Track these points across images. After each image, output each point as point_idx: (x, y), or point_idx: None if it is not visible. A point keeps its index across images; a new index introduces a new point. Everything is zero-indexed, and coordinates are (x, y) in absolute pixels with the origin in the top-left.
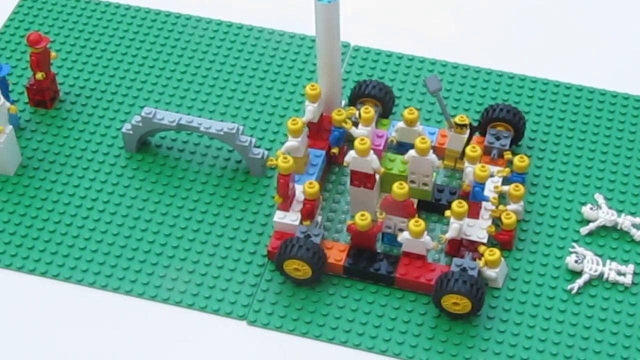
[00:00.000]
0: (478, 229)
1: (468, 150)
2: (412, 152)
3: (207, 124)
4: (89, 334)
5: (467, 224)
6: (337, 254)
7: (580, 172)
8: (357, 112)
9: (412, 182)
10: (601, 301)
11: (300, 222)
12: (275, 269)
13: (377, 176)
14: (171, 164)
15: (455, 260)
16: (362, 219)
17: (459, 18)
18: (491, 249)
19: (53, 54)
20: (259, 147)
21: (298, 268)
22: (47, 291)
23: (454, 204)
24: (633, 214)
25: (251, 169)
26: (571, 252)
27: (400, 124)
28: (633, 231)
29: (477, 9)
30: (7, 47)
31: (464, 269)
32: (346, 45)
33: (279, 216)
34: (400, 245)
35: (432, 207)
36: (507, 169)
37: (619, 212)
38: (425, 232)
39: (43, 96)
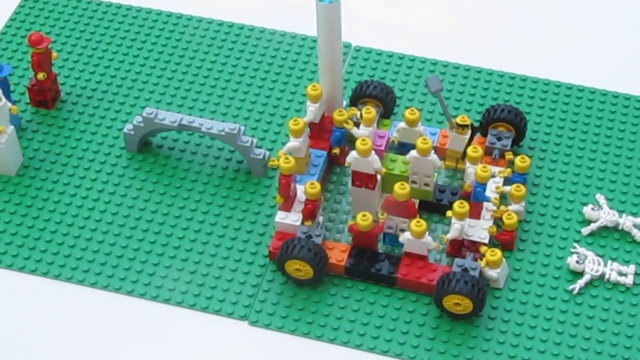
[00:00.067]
0: (479, 230)
1: (469, 150)
2: (413, 153)
3: (208, 125)
4: (90, 334)
5: (469, 225)
6: (338, 254)
7: (582, 172)
8: (358, 113)
9: (414, 182)
10: (602, 301)
11: (302, 223)
12: (276, 269)
13: (379, 176)
14: (172, 164)
15: (457, 260)
16: (363, 220)
17: (460, 18)
18: (492, 249)
19: (54, 54)
20: (260, 147)
21: (299, 268)
22: (48, 292)
23: (456, 205)
24: (634, 215)
25: (252, 169)
26: (572, 253)
27: (402, 125)
28: (634, 231)
29: (478, 10)
30: (9, 47)
31: (465, 270)
32: (347, 46)
33: (280, 216)
34: (401, 245)
35: (433, 207)
36: (509, 170)
37: (620, 212)
38: (427, 233)
39: (44, 96)
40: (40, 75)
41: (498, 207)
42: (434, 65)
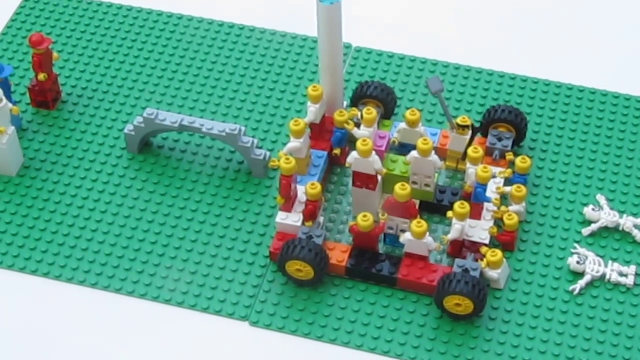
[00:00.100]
0: (480, 230)
1: (470, 151)
2: (414, 153)
3: (209, 125)
4: (91, 334)
5: (469, 225)
6: (339, 255)
7: (582, 173)
8: (359, 113)
9: (415, 183)
10: (603, 302)
11: (303, 223)
12: (277, 270)
13: (379, 177)
14: (173, 165)
15: (458, 261)
16: (364, 220)
17: (460, 19)
18: (493, 250)
19: (55, 55)
20: (261, 148)
21: (300, 269)
22: (49, 292)
23: (456, 205)
24: (635, 215)
25: (253, 170)
26: (573, 253)
27: (403, 125)
28: (635, 232)
29: (478, 10)
30: (10, 48)
31: (466, 270)
32: (348, 47)
33: (281, 217)
34: (402, 246)
35: (434, 208)
36: (509, 170)
37: (621, 213)
38: (428, 233)
39: (45, 97)
40: (41, 76)
41: (499, 208)
42: (435, 66)
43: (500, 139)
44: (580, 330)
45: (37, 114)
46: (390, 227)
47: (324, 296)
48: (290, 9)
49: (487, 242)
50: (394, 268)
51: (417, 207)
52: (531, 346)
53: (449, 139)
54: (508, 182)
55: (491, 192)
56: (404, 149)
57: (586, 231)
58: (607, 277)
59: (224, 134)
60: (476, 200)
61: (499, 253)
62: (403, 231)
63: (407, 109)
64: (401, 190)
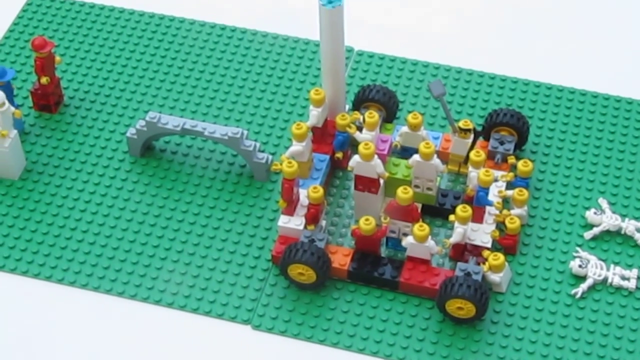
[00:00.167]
0: (482, 234)
1: (472, 154)
2: (416, 157)
3: (211, 129)
4: (93, 337)
5: (471, 229)
6: (341, 258)
7: (584, 176)
8: (361, 117)
9: (416, 186)
10: (605, 306)
11: (305, 227)
12: (279, 273)
13: (381, 181)
14: (175, 168)
15: (460, 264)
16: (366, 224)
17: (462, 22)
18: (495, 253)
19: (57, 58)
20: (263, 151)
21: (302, 272)
22: (51, 295)
23: (458, 209)
24: (637, 219)
25: (255, 173)
26: (575, 257)
27: (404, 129)
28: (637, 236)
29: (480, 14)
30: (12, 51)
31: (468, 274)
32: (350, 50)
33: (283, 221)
34: (404, 249)
35: (436, 211)
36: (511, 174)
37: (623, 216)
38: (430, 237)
39: (47, 100)
40: (44, 80)
41: (501, 211)
42: (437, 69)
43: (502, 143)
44: (582, 334)
45: (39, 117)
46: (392, 230)
47: (326, 300)
48: (292, 13)
49: (489, 245)
50: (396, 271)
51: (419, 210)
52: (533, 350)
53: (451, 143)
54: (510, 185)
55: (493, 195)
56: (406, 152)
57: (588, 235)
58: (609, 280)
59: (226, 137)
60: (478, 203)
61: (500, 256)
62: (405, 234)
63: (409, 112)
64: (403, 193)
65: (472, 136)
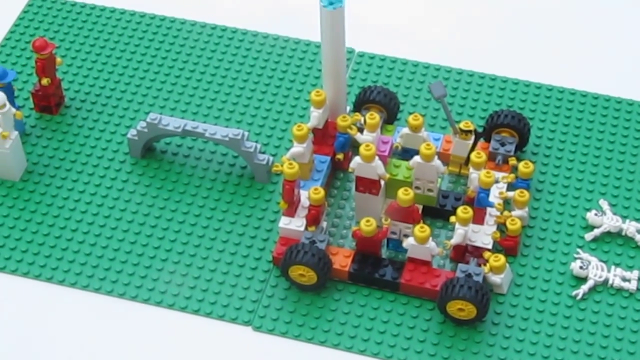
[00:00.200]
0: (483, 235)
1: (473, 156)
2: (417, 158)
3: (212, 130)
4: (94, 339)
5: (472, 230)
6: (342, 259)
7: (585, 178)
8: (362, 118)
9: (417, 188)
10: (606, 307)
11: (306, 228)
12: (280, 274)
13: (382, 182)
14: (176, 169)
15: (460, 266)
16: (367, 225)
17: (463, 24)
18: (496, 254)
19: (58, 59)
20: (264, 153)
21: (303, 274)
22: (52, 297)
23: (459, 210)
24: (638, 220)
25: (256, 174)
26: (576, 258)
27: (405, 130)
28: (638, 237)
29: (481, 15)
30: (13, 53)
31: (469, 275)
32: (351, 51)
33: (284, 222)
34: (405, 251)
35: (437, 213)
36: (512, 175)
37: (624, 218)
38: (430, 238)
39: (48, 102)
40: (44, 81)
41: (501, 213)
42: (437, 70)
43: (503, 144)
44: (582, 335)
45: (40, 118)
46: (393, 231)
47: (326, 301)
48: (293, 14)
49: (489, 246)
50: (397, 273)
51: (420, 211)
52: (534, 351)
53: (451, 144)
54: (511, 187)
55: (494, 197)
56: (406, 153)
57: (589, 236)
58: (610, 282)
59: (226, 138)
60: (479, 205)
61: (501, 258)
62: (406, 236)
63: (410, 113)
64: (404, 195)
65: (473, 137)
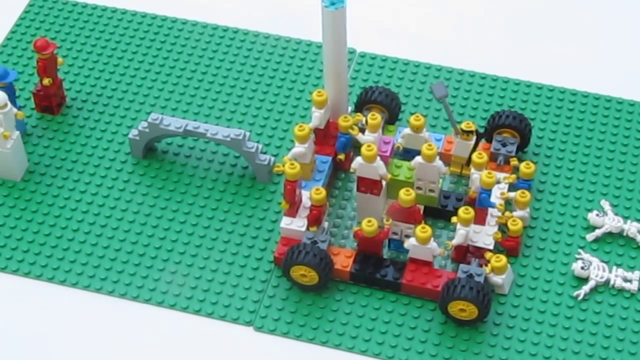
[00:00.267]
0: (484, 236)
1: (474, 156)
2: (418, 159)
3: (213, 130)
4: (96, 339)
5: (474, 231)
6: (343, 260)
7: (586, 178)
8: (363, 119)
9: (419, 188)
10: (607, 308)
11: (307, 228)
12: (281, 275)
13: (384, 182)
14: (178, 170)
15: (462, 266)
16: (368, 225)
17: (465, 25)
18: (497, 255)
19: (60, 59)
20: (265, 153)
21: (305, 274)
22: (54, 297)
23: (461, 211)
24: (639, 221)
25: (258, 175)
26: (577, 259)
27: (407, 131)
28: (639, 238)
29: (482, 16)
30: (14, 53)
31: (470, 276)
32: (352, 52)
33: (285, 222)
34: (406, 251)
35: (438, 213)
36: (513, 176)
37: (625, 218)
38: (432, 239)
39: (50, 102)
40: (46, 81)
41: (503, 213)
42: (439, 71)
43: (504, 145)
44: (584, 336)
45: (41, 118)
46: (395, 232)
47: (328, 301)
48: (294, 14)
49: (491, 247)
50: (398, 273)
51: (422, 212)
52: (535, 351)
53: (453, 145)
54: (512, 187)
55: (495, 197)
56: (408, 154)
57: (590, 237)
58: (611, 282)
59: (228, 139)
60: (480, 205)
61: (503, 258)
62: (407, 236)
63: (412, 114)
64: (405, 195)
65: (474, 138)
